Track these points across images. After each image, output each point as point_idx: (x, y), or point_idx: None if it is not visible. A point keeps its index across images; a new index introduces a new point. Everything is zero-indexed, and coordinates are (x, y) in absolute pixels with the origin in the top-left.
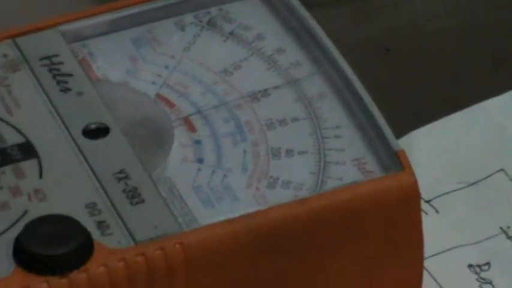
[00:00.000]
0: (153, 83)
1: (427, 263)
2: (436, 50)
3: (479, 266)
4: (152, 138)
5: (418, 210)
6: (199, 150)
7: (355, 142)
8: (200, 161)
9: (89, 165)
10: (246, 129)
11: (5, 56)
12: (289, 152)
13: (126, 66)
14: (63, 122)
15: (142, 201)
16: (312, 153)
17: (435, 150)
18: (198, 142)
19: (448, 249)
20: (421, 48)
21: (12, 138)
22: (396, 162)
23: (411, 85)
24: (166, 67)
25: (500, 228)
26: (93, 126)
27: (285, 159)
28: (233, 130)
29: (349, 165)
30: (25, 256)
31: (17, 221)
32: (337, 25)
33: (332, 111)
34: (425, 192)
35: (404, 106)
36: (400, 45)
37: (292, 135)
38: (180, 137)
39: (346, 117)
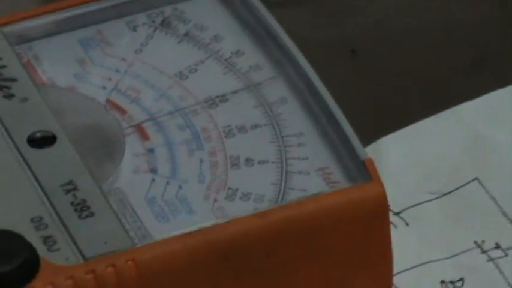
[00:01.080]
0: (103, 87)
1: (396, 280)
2: (407, 51)
3: (452, 282)
4: (102, 147)
5: (386, 223)
6: (153, 160)
7: (319, 150)
8: (154, 171)
9: (35, 176)
10: (203, 136)
11: None
12: (249, 161)
13: (74, 70)
14: (6, 130)
15: (92, 214)
16: (273, 162)
17: (405, 158)
18: (151, 151)
19: (419, 265)
20: (391, 49)
21: None
22: (363, 171)
23: (379, 89)
24: (117, 71)
25: (475, 242)
26: (38, 135)
27: (244, 169)
28: (189, 138)
29: (313, 175)
30: None
31: None
32: (299, 25)
33: (294, 118)
34: (394, 203)
35: (372, 111)
36: (367, 46)
37: (252, 143)
38: (132, 145)
39: (310, 124)
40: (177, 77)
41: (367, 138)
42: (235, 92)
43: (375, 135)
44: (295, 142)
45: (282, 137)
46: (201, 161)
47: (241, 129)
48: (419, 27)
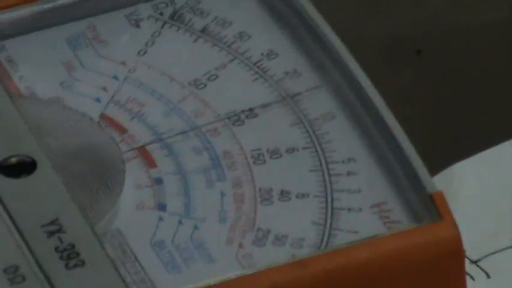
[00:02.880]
0: (97, 99)
1: None
2: (476, 51)
3: None
4: (95, 177)
5: (461, 274)
6: (161, 193)
7: (374, 181)
8: (162, 207)
9: (9, 214)
10: (225, 163)
11: None
12: (284, 195)
13: (60, 77)
14: None
15: (82, 263)
16: (316, 196)
17: (485, 191)
18: (158, 181)
19: None
20: (460, 49)
21: None
22: (431, 208)
23: (450, 99)
24: (115, 77)
25: None
26: (13, 160)
27: (278, 205)
28: (207, 165)
29: (367, 213)
30: None
31: None
32: (350, 20)
33: (343, 139)
34: (471, 249)
35: (441, 128)
36: (433, 46)
37: (288, 172)
38: (134, 174)
39: (363, 147)
40: (191, 86)
41: (436, 165)
42: (266, 105)
43: (446, 161)
44: (344, 170)
45: (327, 163)
46: (223, 194)
47: (274, 153)
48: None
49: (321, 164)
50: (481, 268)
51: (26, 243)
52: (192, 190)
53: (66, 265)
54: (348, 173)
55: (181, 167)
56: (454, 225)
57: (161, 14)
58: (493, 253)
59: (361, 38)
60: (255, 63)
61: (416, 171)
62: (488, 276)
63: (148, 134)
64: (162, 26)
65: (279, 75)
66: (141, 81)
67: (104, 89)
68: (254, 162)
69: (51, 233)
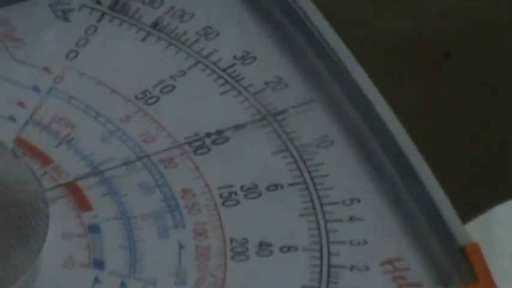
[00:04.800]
0: (11, 118)
1: None
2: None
3: None
4: (9, 224)
5: None
6: (97, 245)
7: (386, 229)
8: (98, 264)
9: None
10: (184, 204)
11: None
12: (264, 248)
13: None
14: None
15: None
16: (307, 249)
17: None
18: (94, 229)
19: None
20: (495, 52)
21: None
22: (463, 266)
23: (487, 120)
24: (36, 89)
25: None
26: None
27: (256, 261)
28: (159, 207)
29: (376, 272)
30: None
31: None
32: (360, 15)
33: (343, 172)
34: None
35: (477, 160)
36: (466, 48)
37: (269, 216)
38: (62, 219)
39: (370, 183)
40: (139, 101)
41: (470, 208)
42: (240, 126)
43: (483, 202)
44: (346, 214)
45: (322, 205)
46: (181, 246)
47: (251, 191)
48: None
49: (313, 206)
50: None
51: None
52: (139, 241)
53: None
54: (351, 219)
55: (125, 209)
56: None
57: (98, 2)
58: None
59: (372, 38)
60: (224, 70)
61: (442, 217)
62: None
63: (80, 166)
64: (100, 19)
65: (258, 86)
66: (71, 94)
67: (21, 104)
68: (224, 203)
69: None
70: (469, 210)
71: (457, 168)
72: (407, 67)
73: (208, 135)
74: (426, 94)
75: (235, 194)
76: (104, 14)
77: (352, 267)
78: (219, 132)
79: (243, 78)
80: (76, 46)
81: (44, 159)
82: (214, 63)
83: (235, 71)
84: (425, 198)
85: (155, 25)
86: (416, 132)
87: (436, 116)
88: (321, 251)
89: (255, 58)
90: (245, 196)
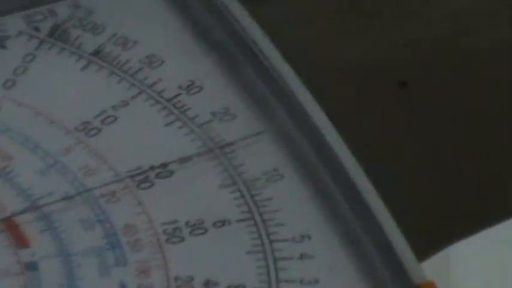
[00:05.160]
0: None
1: None
2: (485, 82)
3: None
4: None
5: None
6: (34, 284)
7: (338, 267)
8: None
9: None
10: (126, 241)
11: None
12: (208, 285)
13: None
14: None
15: None
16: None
17: (490, 278)
18: (31, 267)
19: None
20: (455, 80)
21: None
22: None
23: (445, 152)
24: None
25: None
26: None
27: None
28: (100, 244)
29: None
30: None
31: None
32: (310, 43)
33: (294, 207)
34: None
35: (434, 193)
36: (424, 76)
37: (215, 254)
38: None
39: (322, 219)
40: (80, 132)
41: (425, 246)
42: (185, 159)
43: (439, 239)
44: (296, 252)
45: (271, 242)
46: (123, 285)
47: (197, 227)
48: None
49: (262, 243)
50: None
51: None
52: (79, 280)
53: None
54: (301, 256)
55: (65, 246)
56: None
57: (37, 29)
58: None
59: (325, 65)
60: (169, 100)
61: (397, 254)
62: None
63: (18, 200)
64: (38, 47)
65: (204, 117)
66: (8, 125)
67: None
68: (168, 240)
69: None
70: (426, 247)
71: (414, 204)
72: (363, 97)
73: (152, 168)
74: (383, 125)
75: (180, 230)
76: (42, 41)
77: None
78: (164, 165)
79: (188, 108)
80: (13, 75)
81: None
82: (159, 93)
83: (180, 101)
84: (379, 235)
85: (96, 53)
86: (370, 166)
87: (392, 149)
88: None
89: (201, 88)
90: (190, 232)
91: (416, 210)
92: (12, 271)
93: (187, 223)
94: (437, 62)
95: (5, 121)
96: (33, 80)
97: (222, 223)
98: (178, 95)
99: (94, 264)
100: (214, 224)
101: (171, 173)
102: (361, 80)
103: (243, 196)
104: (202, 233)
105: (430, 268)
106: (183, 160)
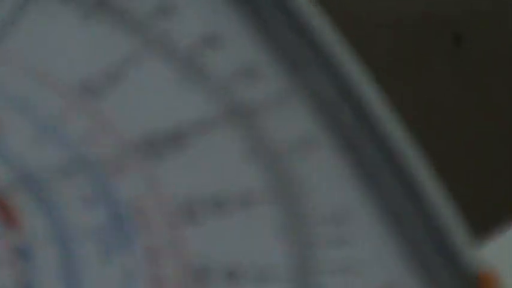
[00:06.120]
0: None
1: None
2: None
3: None
4: None
5: None
6: (26, 271)
7: (381, 253)
8: None
9: None
10: (133, 221)
11: None
12: (231, 276)
13: None
14: None
15: None
16: (283, 279)
17: None
18: (22, 254)
19: None
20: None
21: None
22: None
23: (503, 111)
24: None
25: None
26: None
27: None
28: (102, 224)
29: None
30: None
31: None
32: None
33: (330, 181)
34: None
35: (493, 162)
36: (481, 32)
37: (237, 237)
38: None
39: (360, 193)
40: (80, 92)
41: (486, 222)
42: (203, 126)
43: (501, 213)
44: (330, 232)
45: (303, 223)
46: (128, 274)
47: (215, 206)
48: None
49: (293, 225)
50: None
51: None
52: (78, 267)
53: None
54: (339, 240)
55: (61, 228)
56: None
57: None
58: None
59: (372, 19)
60: (184, 56)
61: (451, 239)
62: None
63: (6, 173)
64: None
65: (225, 76)
66: None
67: None
68: (182, 221)
69: None
70: (485, 227)
71: (469, 175)
72: (412, 53)
73: (164, 136)
74: (433, 85)
75: (197, 209)
76: None
77: None
78: (177, 132)
79: (206, 65)
80: (0, 25)
81: None
82: (172, 47)
83: (197, 56)
84: (430, 215)
85: (101, 2)
86: (419, 132)
87: (444, 112)
88: (300, 281)
89: (222, 41)
90: (208, 212)
91: (472, 183)
92: (1, 258)
93: (204, 201)
94: (495, 17)
95: None
96: (24, 31)
97: (244, 201)
98: (195, 49)
99: (95, 249)
100: (236, 202)
101: (186, 141)
102: (412, 34)
103: (268, 168)
104: (221, 213)
105: (489, 254)
106: (200, 127)
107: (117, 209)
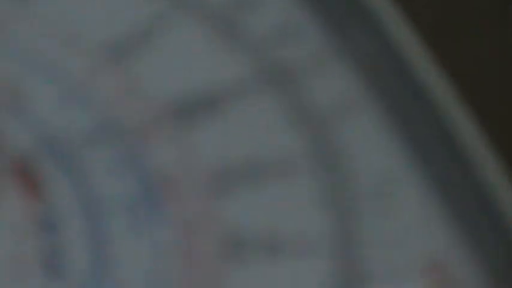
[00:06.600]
0: None
1: None
2: None
3: None
4: None
5: None
6: (51, 245)
7: (424, 222)
8: (53, 270)
9: None
10: (164, 191)
11: None
12: (269, 251)
13: None
14: None
15: None
16: (325, 252)
17: None
18: (47, 225)
19: None
20: None
21: None
22: None
23: None
24: None
25: None
26: None
27: (258, 268)
28: (131, 194)
29: (415, 281)
30: None
31: None
32: None
33: (373, 149)
34: None
35: None
36: None
37: (276, 208)
38: (4, 210)
39: (405, 163)
40: (106, 53)
41: None
42: (237, 89)
43: None
44: (373, 203)
45: (347, 195)
46: (157, 246)
47: (252, 175)
48: None
49: (333, 196)
50: None
51: None
52: (106, 239)
53: None
54: (385, 212)
55: (88, 198)
56: None
57: None
58: None
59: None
60: (216, 12)
61: (499, 207)
62: None
63: (29, 138)
64: None
65: (262, 34)
66: (16, 46)
67: None
68: (216, 191)
69: None
70: None
71: None
72: (459, 13)
73: (197, 100)
74: (483, 45)
75: (232, 178)
76: None
77: (382, 278)
78: (211, 96)
79: (242, 24)
80: None
81: None
82: (202, 3)
83: (233, 14)
84: (477, 182)
85: None
86: (468, 93)
87: (494, 76)
88: (343, 254)
89: (263, 3)
90: (244, 182)
91: None
92: (22, 229)
93: (240, 170)
94: None
95: (11, 40)
96: None
97: (284, 169)
98: (231, 5)
99: (124, 221)
100: (273, 170)
101: (220, 106)
102: None
103: (310, 134)
104: (259, 183)
105: None
106: (235, 90)
107: (147, 178)
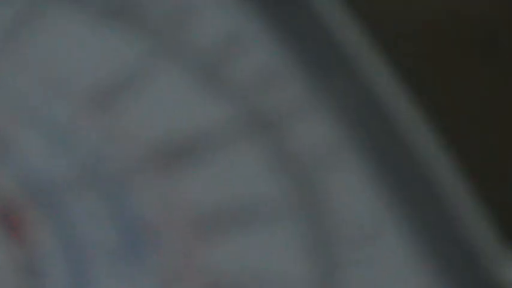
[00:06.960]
0: None
1: None
2: None
3: None
4: None
5: None
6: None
7: (406, 271)
8: None
9: None
10: (147, 238)
11: None
12: None
13: None
14: None
15: None
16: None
17: None
18: (31, 270)
19: None
20: None
21: None
22: None
23: None
24: None
25: None
26: None
27: None
28: (114, 239)
29: None
30: None
31: None
32: None
33: (355, 198)
34: None
35: None
36: None
37: (259, 255)
38: None
39: (388, 212)
40: (91, 102)
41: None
42: (222, 135)
43: None
44: (355, 251)
45: (328, 243)
46: None
47: (235, 222)
48: None
49: (316, 244)
50: None
51: None
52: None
53: None
54: (364, 260)
55: (72, 244)
56: None
57: None
58: None
59: (399, 17)
60: (201, 59)
61: (482, 260)
62: None
63: (10, 184)
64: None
65: (246, 82)
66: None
67: None
68: (200, 238)
69: None
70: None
71: (504, 188)
72: (443, 56)
73: (178, 147)
74: (469, 90)
75: (215, 226)
76: None
77: None
78: (192, 143)
79: (226, 71)
80: (11, 26)
81: None
82: (188, 50)
83: (215, 61)
84: (462, 234)
85: (119, 11)
86: (451, 139)
87: (480, 120)
88: None
89: (242, 44)
90: (228, 229)
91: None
92: (7, 272)
93: (224, 217)
94: None
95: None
96: (36, 40)
97: (267, 217)
98: (214, 50)
99: (107, 267)
100: (256, 218)
101: (202, 153)
102: (441, 35)
103: (294, 183)
104: (242, 231)
105: None
106: (216, 137)
107: (129, 225)
